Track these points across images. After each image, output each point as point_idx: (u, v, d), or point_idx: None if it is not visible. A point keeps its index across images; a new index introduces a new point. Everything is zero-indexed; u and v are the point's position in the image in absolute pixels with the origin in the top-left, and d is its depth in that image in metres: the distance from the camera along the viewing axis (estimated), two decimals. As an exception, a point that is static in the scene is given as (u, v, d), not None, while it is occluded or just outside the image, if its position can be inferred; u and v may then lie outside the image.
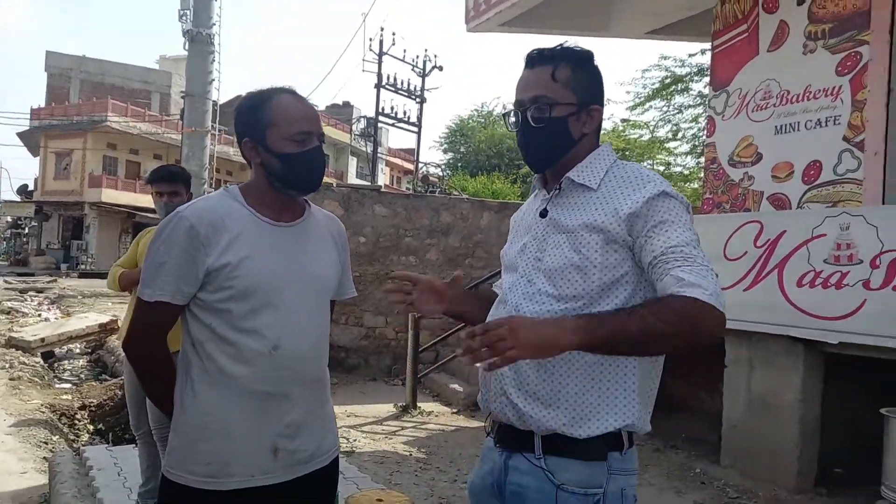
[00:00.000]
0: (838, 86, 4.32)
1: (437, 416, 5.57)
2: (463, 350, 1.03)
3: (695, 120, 12.40)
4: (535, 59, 1.30)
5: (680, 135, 12.90)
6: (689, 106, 12.37)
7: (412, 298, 1.42)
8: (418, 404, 5.72)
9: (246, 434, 1.38)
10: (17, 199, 36.11)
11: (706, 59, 10.76)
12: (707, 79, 10.88)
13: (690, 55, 11.56)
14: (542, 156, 1.34)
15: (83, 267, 28.12)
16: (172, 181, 2.93)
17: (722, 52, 5.31)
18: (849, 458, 3.99)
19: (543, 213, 1.33)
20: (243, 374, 1.37)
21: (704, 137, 10.78)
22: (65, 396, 6.67)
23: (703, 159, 11.92)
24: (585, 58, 1.30)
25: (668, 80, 11.91)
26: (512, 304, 1.30)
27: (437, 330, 7.00)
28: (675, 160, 14.52)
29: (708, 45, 6.40)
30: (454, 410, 5.78)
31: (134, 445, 3.35)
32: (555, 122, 1.27)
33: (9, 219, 38.02)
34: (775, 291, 3.67)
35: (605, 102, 1.35)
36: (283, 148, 1.41)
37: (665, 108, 12.46)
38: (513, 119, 1.35)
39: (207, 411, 1.38)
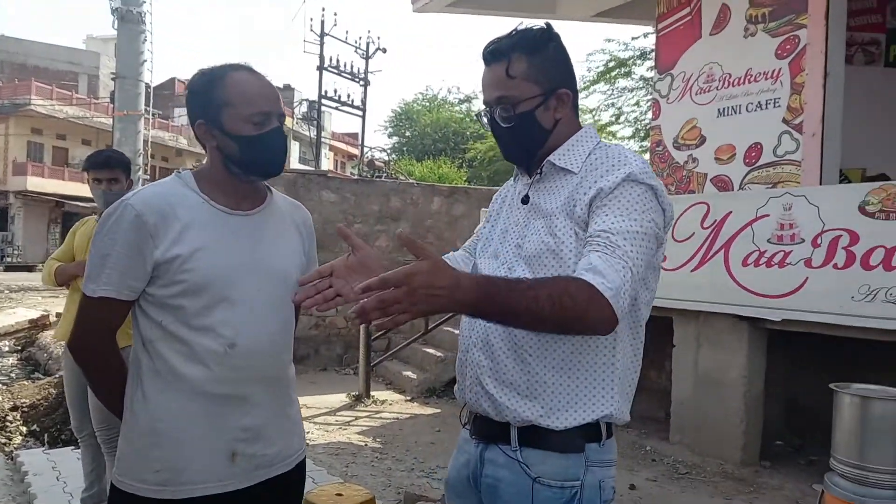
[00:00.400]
0: (778, 69, 4.44)
1: (391, 404, 5.52)
2: (356, 311, 0.95)
3: (637, 104, 12.65)
4: (489, 57, 1.25)
5: (622, 118, 13.13)
6: (633, 89, 12.59)
7: (335, 291, 1.24)
8: (371, 393, 5.65)
9: (201, 439, 1.29)
10: (-67, 188, 33.76)
11: (649, 43, 10.98)
12: (650, 62, 11.12)
13: (634, 38, 11.75)
14: (519, 152, 1.30)
15: (9, 260, 26.59)
16: (111, 167, 2.73)
17: (666, 35, 5.39)
18: (789, 431, 4.18)
19: (525, 200, 1.28)
20: (197, 375, 1.28)
21: (649, 121, 11.01)
22: (-6, 398, 6.28)
23: (645, 143, 12.20)
24: (541, 41, 1.23)
25: (611, 64, 12.07)
26: None
27: (388, 317, 6.92)
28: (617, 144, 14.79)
29: (652, 29, 6.50)
30: (408, 398, 5.74)
31: (73, 448, 3.17)
32: (522, 119, 1.23)
33: (-76, 209, 35.55)
34: (721, 271, 3.76)
35: (574, 80, 1.28)
36: (240, 130, 1.31)
37: (609, 92, 12.65)
38: (485, 120, 1.30)
39: (159, 416, 1.28)
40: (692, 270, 3.92)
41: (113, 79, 10.89)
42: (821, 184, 3.93)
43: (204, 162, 1.42)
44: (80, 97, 30.45)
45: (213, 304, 1.28)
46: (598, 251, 1.08)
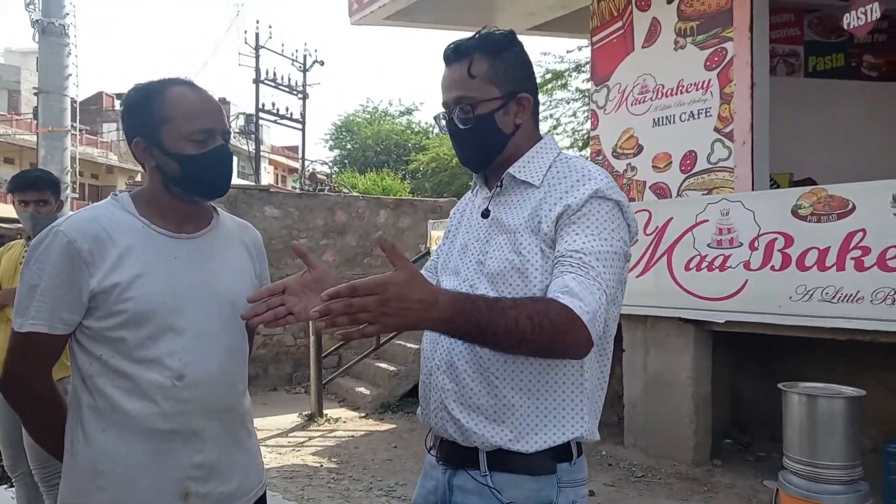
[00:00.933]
0: (707, 80, 4.64)
1: (345, 422, 5.43)
2: (320, 310, 0.89)
3: (574, 114, 12.97)
4: (451, 56, 1.22)
5: (560, 129, 13.44)
6: (569, 100, 12.91)
7: (286, 309, 1.20)
8: (324, 411, 5.54)
9: (149, 480, 1.20)
10: None
11: (584, 56, 11.30)
12: (585, 74, 11.43)
13: (569, 52, 12.06)
14: (476, 157, 1.26)
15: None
16: (39, 188, 2.58)
17: (600, 48, 5.55)
18: (737, 429, 4.34)
19: (485, 214, 1.25)
20: (142, 412, 1.20)
21: (586, 131, 11.30)
22: None
23: (584, 152, 12.53)
24: (504, 44, 1.21)
25: (548, 77, 12.35)
26: None
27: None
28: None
29: (586, 42, 6.68)
30: (362, 415, 5.66)
31: (6, 486, 2.97)
32: (481, 122, 1.20)
33: None
34: (665, 276, 3.88)
35: (535, 87, 1.27)
36: (182, 148, 1.23)
37: (546, 103, 12.92)
38: (442, 123, 1.26)
39: (102, 457, 1.20)
40: (638, 276, 4.03)
41: (35, 94, 10.36)
42: (753, 189, 4.12)
43: (141, 181, 1.34)
44: (0, 114, 28.82)
45: (158, 335, 1.21)
46: (571, 272, 1.06)
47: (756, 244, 3.44)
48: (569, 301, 1.02)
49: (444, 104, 1.24)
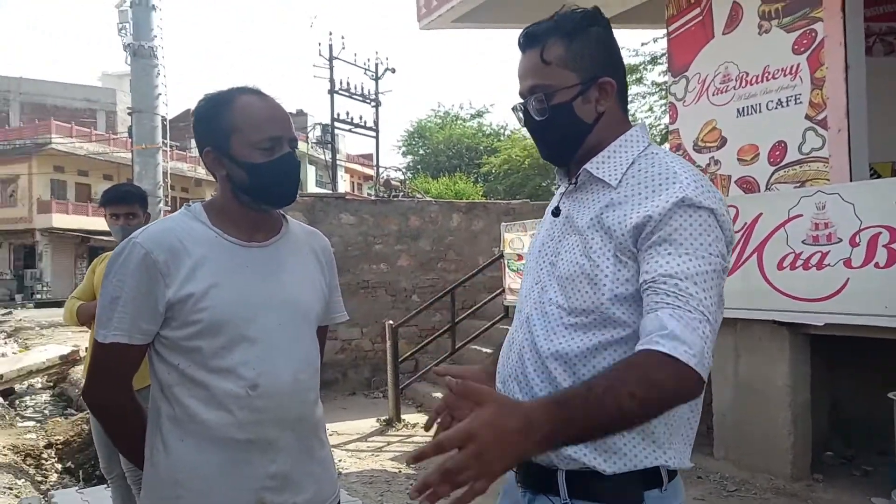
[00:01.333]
0: (796, 64, 4.34)
1: (423, 426, 5.44)
2: (418, 487, 0.80)
3: (650, 109, 12.55)
4: (524, 42, 1.13)
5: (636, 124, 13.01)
6: (645, 95, 12.51)
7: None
8: (402, 416, 5.58)
9: (225, 490, 1.22)
10: (-38, 231, 34.57)
11: (659, 48, 10.92)
12: (661, 67, 11.03)
13: (643, 44, 11.70)
14: (557, 150, 1.17)
15: (39, 296, 27.09)
16: (128, 202, 2.71)
17: (677, 37, 5.31)
18: (839, 441, 4.01)
19: (556, 212, 1.17)
20: (219, 421, 1.21)
21: (664, 125, 10.89)
22: (29, 436, 6.33)
23: (665, 146, 12.07)
24: (582, 24, 1.11)
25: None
26: (524, 314, 1.16)
27: (414, 338, 6.88)
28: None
29: (662, 32, 6.42)
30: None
31: (106, 486, 3.15)
32: (559, 111, 1.10)
33: (-46, 252, 36.39)
34: (756, 276, 3.65)
35: (621, 70, 1.15)
36: (250, 157, 1.24)
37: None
38: (519, 115, 1.18)
39: (180, 466, 1.22)
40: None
41: (129, 114, 11.09)
42: (851, 180, 3.81)
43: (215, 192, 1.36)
44: (98, 134, 31.08)
45: (232, 344, 1.22)
46: (668, 306, 0.94)
47: (857, 240, 3.17)
48: (670, 348, 0.90)
49: (520, 94, 1.16)
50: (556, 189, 1.26)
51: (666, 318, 0.93)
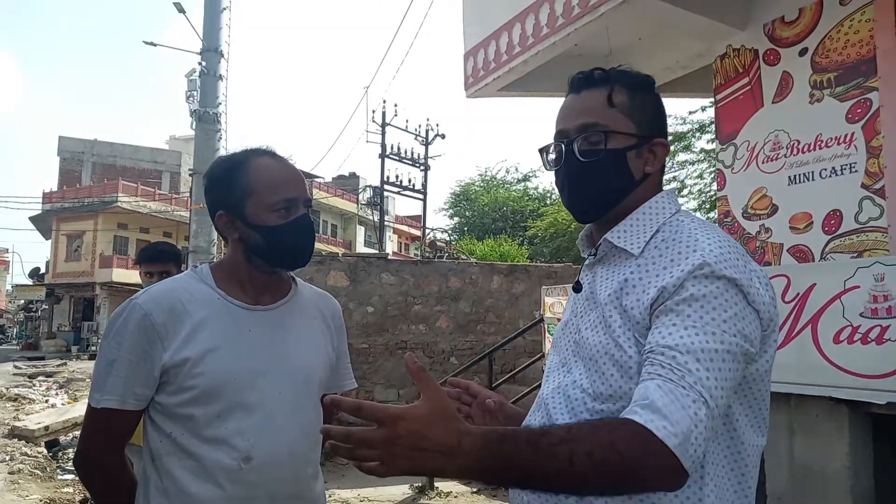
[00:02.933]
0: (850, 133, 4.23)
1: (455, 497, 5.24)
2: (323, 429, 0.80)
3: (700, 176, 12.43)
4: (584, 82, 1.05)
5: (686, 191, 12.89)
6: (694, 162, 12.43)
7: (468, 411, 1.13)
8: (435, 484, 5.40)
9: None
10: (29, 282, 36.44)
11: (706, 116, 10.92)
12: (709, 135, 10.98)
13: (691, 112, 11.71)
14: (593, 199, 1.05)
15: (93, 348, 28.00)
16: (162, 260, 2.79)
17: (725, 106, 5.28)
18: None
19: (577, 287, 1.08)
20: (207, 496, 1.14)
21: (713, 192, 10.73)
22: (66, 489, 6.39)
23: (712, 214, 11.86)
24: (645, 83, 1.06)
25: (670, 139, 12.02)
26: (543, 395, 1.06)
27: (451, 401, 6.73)
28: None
29: (708, 101, 6.41)
30: (474, 490, 5.45)
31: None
32: (611, 156, 1.01)
33: (21, 302, 38.21)
34: (810, 349, 3.45)
35: (667, 137, 1.09)
36: (265, 220, 1.22)
37: (670, 166, 12.51)
38: (552, 156, 1.08)
39: None
40: (777, 348, 3.61)
41: (191, 175, 11.65)
42: (913, 251, 3.63)
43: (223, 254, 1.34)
44: (162, 193, 32.74)
45: (227, 413, 1.16)
46: (659, 377, 0.83)
47: (921, 314, 2.98)
48: (647, 419, 0.79)
49: (561, 133, 1.06)
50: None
51: (652, 389, 0.82)
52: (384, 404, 0.78)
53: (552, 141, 1.08)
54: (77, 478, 6.86)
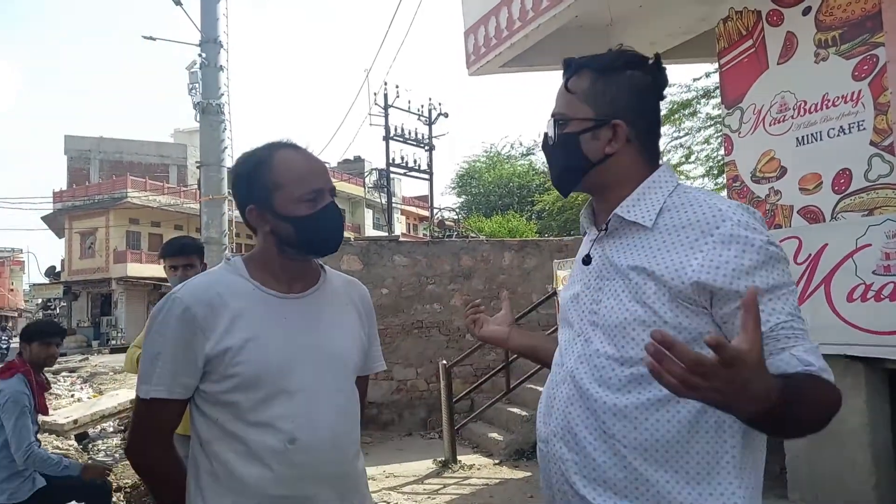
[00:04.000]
0: (857, 90, 4.20)
1: (478, 468, 5.35)
2: (650, 350, 0.77)
3: (706, 141, 12.32)
4: (563, 68, 1.17)
5: (693, 157, 12.79)
6: (700, 128, 12.31)
7: (481, 318, 1.45)
8: (458, 458, 5.51)
9: None
10: (46, 281, 36.89)
11: (711, 82, 10.77)
12: (715, 101, 10.85)
13: (695, 79, 11.58)
14: (559, 178, 1.19)
15: (114, 342, 28.45)
16: (186, 253, 2.84)
17: (730, 69, 5.24)
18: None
19: (587, 260, 1.15)
20: (257, 476, 1.19)
21: (720, 157, 10.66)
22: (99, 479, 6.55)
23: (720, 179, 11.78)
24: (616, 65, 1.12)
25: (674, 107, 11.89)
26: (567, 368, 1.11)
27: (469, 378, 6.84)
28: (691, 183, 14.41)
29: (713, 66, 6.35)
30: (496, 461, 5.56)
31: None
32: (566, 140, 1.12)
33: (39, 301, 38.74)
34: (825, 309, 3.48)
35: (646, 117, 1.14)
36: (294, 211, 1.25)
37: (676, 134, 12.40)
38: (544, 134, 1.20)
39: None
40: (790, 310, 3.64)
41: (198, 167, 11.70)
42: (924, 206, 3.62)
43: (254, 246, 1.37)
44: (170, 187, 32.89)
45: (270, 398, 1.21)
46: (796, 346, 0.97)
47: (934, 268, 2.99)
48: (828, 377, 0.97)
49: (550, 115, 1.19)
50: (583, 234, 1.25)
51: (804, 354, 0.96)
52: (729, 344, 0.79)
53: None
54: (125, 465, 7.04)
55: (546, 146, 1.18)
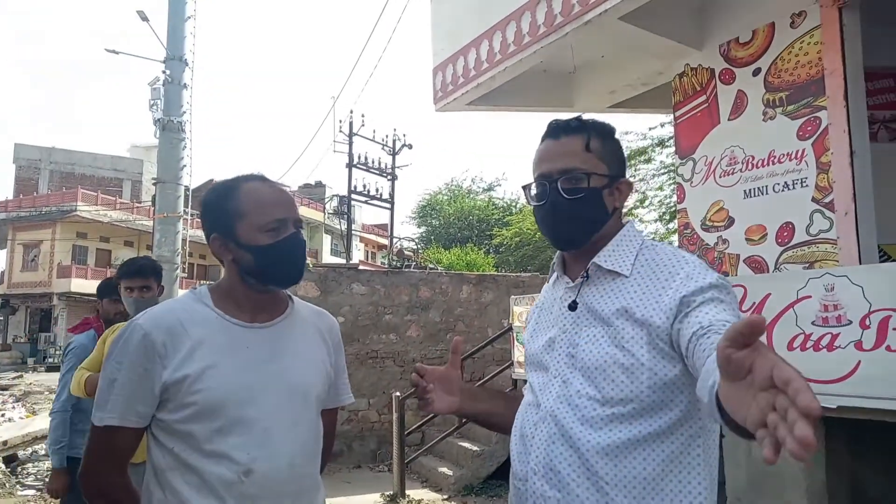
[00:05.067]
0: (802, 149, 4.46)
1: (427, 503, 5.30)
2: (764, 420, 0.67)
3: (660, 188, 12.77)
4: (562, 130, 1.22)
5: (647, 202, 13.22)
6: (654, 174, 12.77)
7: (431, 397, 1.30)
8: (407, 492, 5.45)
9: None
10: (-18, 293, 35.10)
11: (666, 132, 11.23)
12: (669, 150, 11.30)
13: (651, 129, 12.04)
14: (577, 231, 1.22)
15: (51, 360, 27.11)
16: (143, 275, 2.77)
17: (684, 122, 5.49)
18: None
19: (573, 306, 1.20)
20: None
21: (673, 204, 11.04)
22: (26, 505, 6.21)
23: (671, 225, 12.18)
24: (611, 130, 1.25)
25: (630, 153, 12.32)
26: (546, 408, 1.16)
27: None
28: (645, 227, 14.85)
29: (668, 118, 6.64)
30: (445, 497, 5.51)
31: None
32: (592, 195, 1.19)
33: (-28, 313, 36.81)
34: (766, 356, 3.62)
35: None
36: (256, 240, 1.25)
37: (632, 177, 12.83)
38: (535, 191, 1.23)
39: None
40: (735, 356, 3.78)
41: (154, 184, 11.46)
42: (860, 262, 3.84)
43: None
44: (123, 202, 31.99)
45: (227, 428, 1.19)
46: None
47: (867, 322, 3.17)
48: None
49: (544, 175, 1.21)
50: (551, 283, 1.31)
51: None
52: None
53: (534, 181, 1.24)
54: (38, 493, 6.68)
55: (558, 199, 1.19)
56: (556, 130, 1.23)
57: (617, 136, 1.26)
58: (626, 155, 1.34)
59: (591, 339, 1.14)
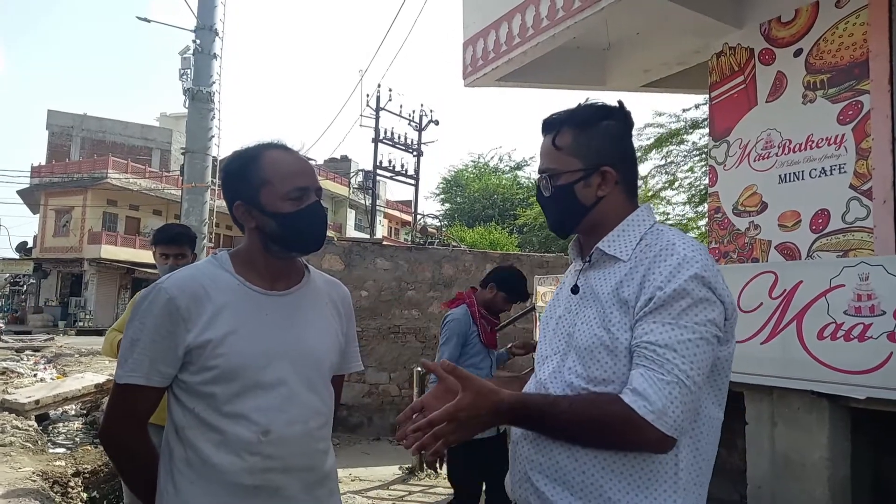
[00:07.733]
0: (841, 134, 4.32)
1: (444, 478, 5.35)
2: (415, 447, 1.06)
3: (691, 169, 12.52)
4: (543, 127, 1.29)
5: (677, 184, 12.99)
6: (685, 155, 12.50)
7: (432, 437, 1.13)
8: (425, 466, 5.51)
9: None
10: (16, 256, 36.08)
11: (700, 114, 10.97)
12: (702, 131, 11.05)
13: (684, 110, 11.76)
14: (558, 224, 1.32)
15: (81, 324, 27.89)
16: (179, 243, 2.83)
17: (720, 103, 5.35)
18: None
19: (575, 290, 1.25)
20: (230, 465, 1.22)
21: (703, 187, 10.84)
22: (58, 463, 6.43)
23: (701, 208, 11.96)
24: (594, 117, 1.24)
25: (663, 135, 12.07)
26: (540, 380, 1.23)
27: (442, 386, 6.84)
28: (672, 209, 14.61)
29: (702, 98, 6.48)
30: (462, 471, 5.56)
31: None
32: (561, 192, 1.25)
33: (7, 276, 37.88)
34: (795, 344, 3.56)
35: (626, 160, 1.27)
36: (279, 207, 1.29)
37: (663, 160, 12.59)
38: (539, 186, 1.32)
39: None
40: (762, 343, 3.73)
41: (183, 153, 11.59)
42: (896, 251, 3.74)
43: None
44: (152, 171, 32.45)
45: (246, 391, 1.24)
46: (644, 367, 1.06)
47: (902, 313, 3.09)
48: (631, 400, 1.04)
49: (538, 171, 1.31)
50: (572, 265, 1.36)
51: (635, 377, 1.07)
52: (445, 407, 1.09)
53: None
54: (68, 451, 6.92)
55: (541, 198, 1.29)
56: (541, 128, 1.29)
57: (613, 119, 1.25)
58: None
59: (585, 319, 1.19)
